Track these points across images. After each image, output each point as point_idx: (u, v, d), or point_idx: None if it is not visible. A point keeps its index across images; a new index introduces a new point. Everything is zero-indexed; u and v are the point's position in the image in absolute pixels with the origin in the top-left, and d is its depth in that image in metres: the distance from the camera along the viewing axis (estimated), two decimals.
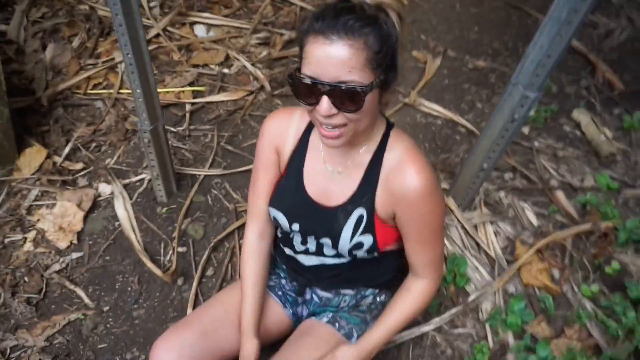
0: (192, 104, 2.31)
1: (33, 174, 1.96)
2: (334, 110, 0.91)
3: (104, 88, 2.36)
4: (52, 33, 2.51)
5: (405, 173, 1.04)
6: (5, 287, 1.66)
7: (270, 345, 1.33)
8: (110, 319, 1.60)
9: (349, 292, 1.29)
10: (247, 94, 2.39)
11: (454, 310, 1.57)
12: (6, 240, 1.78)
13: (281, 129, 1.18)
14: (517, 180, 2.04)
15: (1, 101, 1.87)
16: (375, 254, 1.15)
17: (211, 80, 2.45)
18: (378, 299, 1.32)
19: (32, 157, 1.99)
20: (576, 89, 2.53)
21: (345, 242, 1.12)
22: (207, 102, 2.33)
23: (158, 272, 1.65)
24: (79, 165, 2.01)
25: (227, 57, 2.58)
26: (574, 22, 1.25)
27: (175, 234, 1.78)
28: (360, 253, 1.14)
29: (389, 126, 1.11)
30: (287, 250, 1.27)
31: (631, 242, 1.80)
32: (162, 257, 1.75)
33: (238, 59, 2.55)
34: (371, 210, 1.10)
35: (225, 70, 2.51)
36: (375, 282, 1.29)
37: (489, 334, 1.54)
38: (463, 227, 1.79)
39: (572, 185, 2.02)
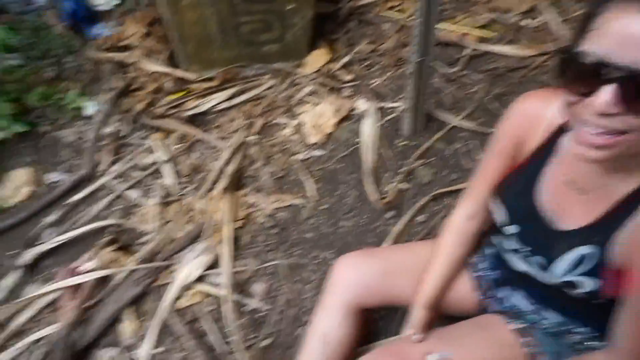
0: (474, 49, 2.18)
1: (313, 73, 2.23)
2: (616, 109, 0.66)
3: (398, 12, 2.43)
4: None
5: None
6: (262, 156, 2.00)
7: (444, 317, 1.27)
8: (322, 217, 1.79)
9: (554, 317, 1.07)
10: (538, 53, 2.12)
11: None
12: (275, 121, 2.12)
13: (531, 118, 0.98)
14: None
15: (309, 4, 2.11)
16: (596, 299, 0.91)
17: (504, 29, 2.25)
18: (588, 343, 1.05)
19: (317, 59, 2.26)
20: None
21: (556, 275, 0.92)
22: (490, 52, 2.17)
23: (373, 197, 1.73)
24: (349, 77, 2.19)
25: (534, 8, 2.30)
26: None
27: (403, 170, 1.82)
28: (574, 293, 0.92)
29: None
30: (497, 241, 1.15)
31: None
32: (383, 185, 1.82)
33: (546, 13, 2.25)
34: (603, 254, 0.84)
35: (525, 22, 2.26)
36: (594, 323, 1.03)
37: None
38: None
39: None
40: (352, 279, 1.26)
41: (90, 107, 2.24)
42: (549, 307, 1.07)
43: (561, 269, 0.90)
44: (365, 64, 2.24)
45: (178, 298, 1.67)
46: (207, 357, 1.51)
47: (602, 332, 1.02)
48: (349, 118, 2.06)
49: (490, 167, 1.09)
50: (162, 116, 2.19)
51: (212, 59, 2.23)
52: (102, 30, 2.42)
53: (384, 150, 1.91)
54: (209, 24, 2.08)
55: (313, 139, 2.02)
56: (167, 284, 1.70)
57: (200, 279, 1.70)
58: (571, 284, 0.90)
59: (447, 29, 2.25)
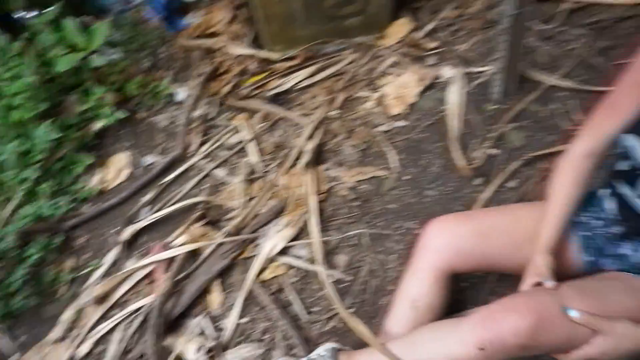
0: (574, 2, 1.97)
1: (395, 44, 2.15)
2: None
3: None
4: None
5: None
6: (344, 130, 1.97)
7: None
8: (406, 188, 1.72)
9: None
10: None
11: None
12: (356, 95, 2.08)
13: None
14: None
15: None
16: None
17: None
18: None
19: (399, 29, 2.17)
20: None
21: None
22: (592, 3, 1.94)
23: (461, 162, 1.62)
24: (434, 45, 2.08)
25: None
26: None
27: (492, 135, 1.69)
28: None
29: None
30: (624, 189, 1.01)
31: None
32: (470, 152, 1.70)
33: None
34: None
35: None
36: None
37: None
38: None
39: None
40: (443, 242, 1.20)
41: (181, 93, 2.36)
42: None
43: None
44: (451, 29, 2.12)
45: (263, 270, 1.68)
46: (291, 326, 1.51)
47: None
48: (434, 87, 1.96)
49: (619, 101, 0.99)
50: (247, 97, 2.24)
51: (294, 37, 2.24)
52: (191, 19, 2.54)
53: (471, 117, 1.79)
54: (293, 0, 2.10)
55: (395, 110, 1.95)
56: (253, 256, 1.73)
57: (284, 251, 1.71)
58: None
59: None
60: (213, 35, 2.46)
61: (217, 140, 2.17)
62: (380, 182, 1.76)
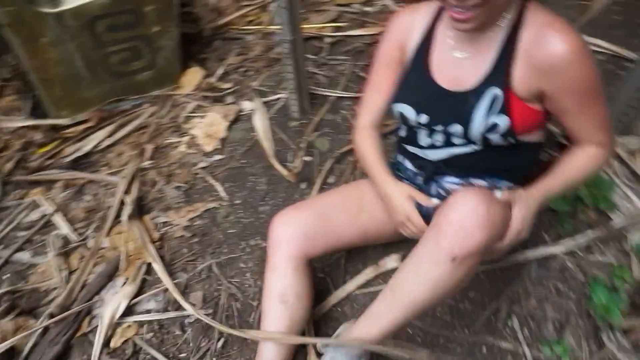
0: (333, 37, 2.41)
1: (192, 91, 2.24)
2: None
3: (256, 25, 2.59)
4: None
5: (549, 43, 0.98)
6: (162, 176, 1.93)
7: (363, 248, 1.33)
8: (240, 211, 1.77)
9: (481, 182, 1.21)
10: None
11: (592, 235, 1.39)
12: (166, 142, 2.07)
13: (407, 24, 1.19)
14: None
15: (174, 24, 2.14)
16: (512, 139, 1.08)
17: (353, 17, 2.54)
18: None
19: (192, 77, 2.28)
20: None
21: (477, 126, 1.07)
22: (347, 36, 2.41)
23: (284, 172, 1.77)
24: (229, 85, 2.25)
25: None
26: None
27: (303, 145, 1.90)
28: (495, 137, 1.08)
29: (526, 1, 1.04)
30: (412, 149, 1.26)
31: None
32: (289, 164, 1.88)
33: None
34: (507, 88, 1.04)
35: (367, 9, 2.57)
36: (511, 174, 1.20)
37: (636, 265, 1.33)
38: (616, 153, 1.57)
39: None
40: (290, 231, 1.27)
41: None
42: (474, 176, 1.21)
43: (479, 117, 1.06)
44: (240, 71, 2.33)
45: (110, 338, 1.49)
46: None
47: (518, 180, 1.20)
48: (239, 120, 2.10)
49: (379, 79, 1.25)
50: (39, 169, 2.01)
51: (83, 99, 2.12)
52: None
53: (281, 135, 1.97)
54: (74, 60, 1.99)
55: (209, 147, 2.01)
56: (93, 329, 1.52)
57: (129, 311, 1.55)
58: (491, 128, 1.06)
59: (304, 28, 2.45)
60: None
61: (10, 223, 1.87)
62: (213, 214, 1.77)
